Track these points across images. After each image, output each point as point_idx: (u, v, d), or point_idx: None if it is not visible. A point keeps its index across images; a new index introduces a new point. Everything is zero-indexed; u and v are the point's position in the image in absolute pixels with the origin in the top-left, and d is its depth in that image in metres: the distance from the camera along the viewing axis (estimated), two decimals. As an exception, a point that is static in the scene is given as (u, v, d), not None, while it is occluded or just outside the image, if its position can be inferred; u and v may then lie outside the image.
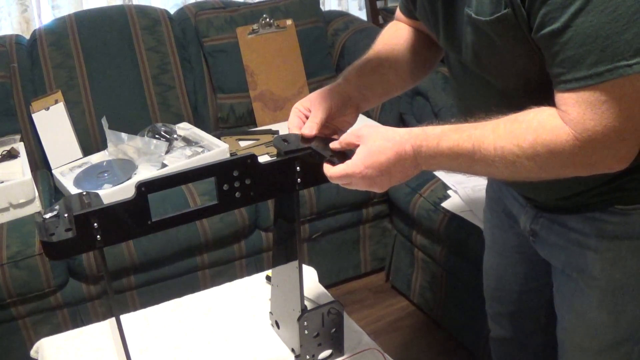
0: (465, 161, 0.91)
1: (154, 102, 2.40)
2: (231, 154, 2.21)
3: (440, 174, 2.09)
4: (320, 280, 1.41)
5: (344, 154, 0.98)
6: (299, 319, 1.11)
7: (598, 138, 0.81)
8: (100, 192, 1.68)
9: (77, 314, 1.99)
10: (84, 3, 2.65)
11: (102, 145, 2.30)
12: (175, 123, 2.38)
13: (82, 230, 0.88)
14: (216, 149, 2.19)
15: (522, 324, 1.37)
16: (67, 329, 1.64)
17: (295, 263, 1.09)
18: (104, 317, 1.35)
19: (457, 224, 1.91)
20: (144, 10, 2.47)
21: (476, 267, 1.66)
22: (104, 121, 2.19)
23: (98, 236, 0.89)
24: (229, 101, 2.49)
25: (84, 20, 2.37)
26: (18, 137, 2.22)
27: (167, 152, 2.20)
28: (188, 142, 2.28)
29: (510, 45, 0.88)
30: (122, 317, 1.19)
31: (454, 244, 1.96)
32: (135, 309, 1.53)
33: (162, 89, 2.41)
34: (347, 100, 1.10)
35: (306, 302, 1.15)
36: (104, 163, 2.18)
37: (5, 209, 1.95)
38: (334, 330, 1.16)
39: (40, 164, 2.29)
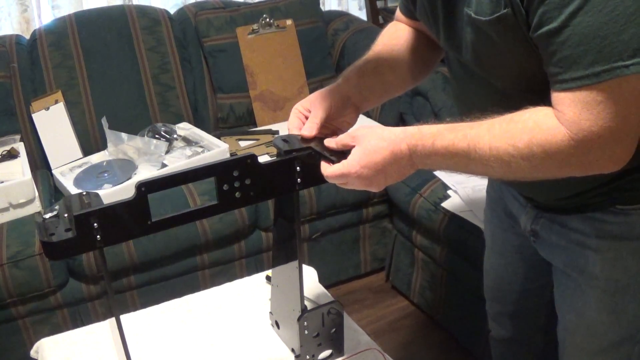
0: (460, 160, 0.91)
1: (154, 102, 2.40)
2: (231, 154, 2.21)
3: (440, 174, 2.09)
4: (320, 280, 1.41)
5: (342, 154, 0.98)
6: (299, 319, 1.11)
7: (593, 139, 0.81)
8: (100, 192, 1.67)
9: (77, 314, 1.99)
10: (84, 3, 2.65)
11: (102, 145, 2.30)
12: (175, 123, 2.38)
13: (82, 230, 0.88)
14: (216, 149, 2.19)
15: (523, 324, 1.37)
16: (67, 329, 1.64)
17: (295, 263, 1.09)
18: (104, 317, 1.35)
19: (457, 224, 1.91)
20: (144, 10, 2.47)
21: (476, 267, 1.67)
22: (104, 121, 2.19)
23: (98, 236, 0.89)
24: (229, 101, 2.49)
25: (84, 20, 2.37)
26: (18, 137, 2.22)
27: (167, 152, 2.20)
28: (188, 142, 2.28)
29: (510, 45, 0.88)
30: (122, 317, 1.18)
31: (454, 244, 1.96)
32: (135, 309, 1.53)
33: (162, 89, 2.41)
34: (346, 100, 1.10)
35: (306, 302, 1.15)
36: (104, 163, 2.18)
37: (5, 209, 1.95)
38: (334, 330, 1.16)
39: (40, 164, 2.29)
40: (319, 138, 1.04)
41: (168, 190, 0.95)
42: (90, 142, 2.31)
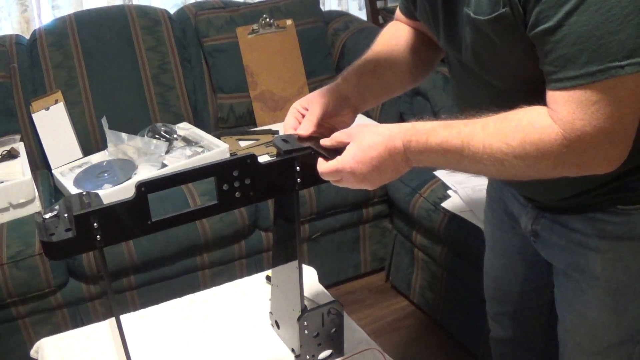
0: (453, 157, 0.90)
1: (154, 102, 2.40)
2: (231, 154, 2.21)
3: (440, 174, 2.08)
4: (320, 280, 1.41)
5: (338, 152, 0.98)
6: (299, 319, 1.11)
7: (587, 139, 0.80)
8: (100, 192, 1.68)
9: (77, 314, 1.99)
10: (84, 3, 2.65)
11: (102, 145, 2.30)
12: (175, 123, 2.38)
13: (82, 230, 0.88)
14: (216, 149, 2.19)
15: (523, 324, 1.37)
16: (67, 329, 1.64)
17: (295, 263, 1.09)
18: (104, 317, 1.35)
19: (457, 224, 1.91)
20: (144, 10, 2.47)
21: (476, 267, 1.66)
22: (104, 121, 2.19)
23: (98, 236, 0.89)
24: (229, 101, 2.49)
25: (84, 20, 2.37)
26: (18, 137, 2.22)
27: (167, 152, 2.20)
28: (188, 142, 2.28)
29: (509, 44, 0.88)
30: (122, 317, 1.18)
31: (454, 244, 1.96)
32: (135, 309, 1.53)
33: (162, 89, 2.41)
34: (344, 100, 1.10)
35: (306, 302, 1.15)
36: (104, 163, 2.18)
37: (5, 209, 1.95)
38: (334, 330, 1.16)
39: (40, 164, 2.29)
40: (316, 137, 1.04)
41: (168, 190, 0.95)
42: (90, 142, 2.31)
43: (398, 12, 1.21)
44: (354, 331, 1.24)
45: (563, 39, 0.78)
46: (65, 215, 0.92)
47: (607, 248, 1.02)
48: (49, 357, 1.23)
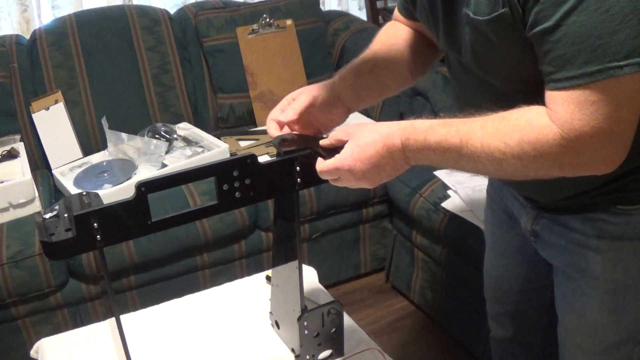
0: (452, 156, 0.90)
1: (154, 102, 2.40)
2: (231, 154, 2.21)
3: (440, 174, 2.08)
4: (320, 280, 1.41)
5: (337, 151, 0.98)
6: (299, 319, 1.11)
7: (585, 139, 0.80)
8: (100, 192, 1.68)
9: (77, 314, 1.99)
10: (84, 3, 2.65)
11: (102, 145, 2.30)
12: (175, 123, 2.38)
13: (82, 230, 0.88)
14: (216, 149, 2.19)
15: (523, 324, 1.37)
16: (67, 329, 1.64)
17: (295, 263, 1.09)
18: (104, 317, 1.35)
19: (457, 224, 1.91)
20: (144, 10, 2.47)
21: (476, 267, 1.67)
22: (104, 121, 2.19)
23: (98, 236, 0.89)
24: (229, 101, 2.49)
25: (84, 20, 2.37)
26: (18, 137, 2.22)
27: (167, 152, 2.20)
28: (188, 142, 2.28)
29: (508, 45, 0.88)
30: (122, 317, 1.18)
31: (454, 244, 1.96)
32: (135, 309, 1.53)
33: (162, 89, 2.41)
34: (336, 98, 1.09)
35: (306, 302, 1.15)
36: (104, 163, 2.18)
37: (5, 209, 1.95)
38: (334, 330, 1.16)
39: (40, 164, 2.29)
40: (315, 137, 1.04)
41: (168, 190, 0.95)
42: (90, 142, 2.31)
43: (396, 12, 1.21)
44: (354, 331, 1.24)
45: (561, 39, 0.78)
46: (65, 215, 0.92)
47: (607, 248, 1.02)
48: (49, 357, 1.23)
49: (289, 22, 2.52)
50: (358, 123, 0.99)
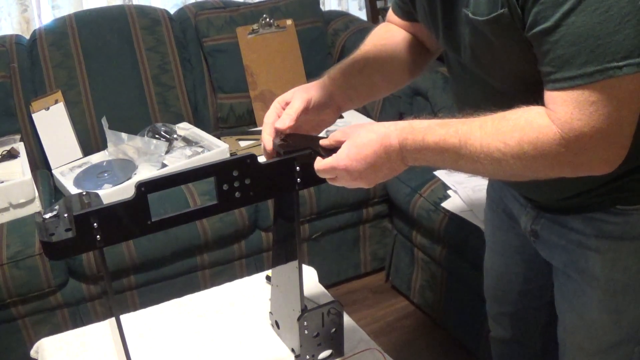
0: (450, 156, 0.90)
1: (154, 102, 2.40)
2: (231, 154, 2.21)
3: (440, 174, 2.08)
4: (320, 280, 1.41)
5: (335, 151, 0.98)
6: (299, 319, 1.11)
7: (584, 139, 0.80)
8: (100, 192, 1.68)
9: (77, 314, 1.99)
10: (84, 3, 2.65)
11: (102, 145, 2.30)
12: (175, 123, 2.38)
13: (82, 230, 0.88)
14: (216, 149, 2.19)
15: (523, 324, 1.37)
16: (67, 329, 1.64)
17: (295, 263, 1.09)
18: (104, 317, 1.35)
19: (457, 224, 1.91)
20: (144, 10, 2.47)
21: (476, 267, 1.67)
22: (104, 121, 2.19)
23: (98, 236, 0.89)
24: (229, 101, 2.49)
25: (84, 20, 2.37)
26: (18, 137, 2.22)
27: (167, 152, 2.20)
28: (188, 142, 2.28)
29: (507, 45, 0.88)
30: (122, 317, 1.18)
31: (454, 244, 1.96)
32: (135, 309, 1.53)
33: (162, 89, 2.41)
34: (328, 98, 1.09)
35: (306, 302, 1.15)
36: (104, 163, 2.18)
37: (5, 209, 1.95)
38: (334, 330, 1.16)
39: (40, 164, 2.29)
40: (315, 137, 1.04)
41: (168, 190, 0.95)
42: (90, 142, 2.31)
43: (390, 13, 1.20)
44: (354, 331, 1.24)
45: (561, 39, 0.78)
46: (65, 215, 0.92)
47: (607, 248, 1.02)
48: (49, 357, 1.23)
49: (289, 22, 2.52)
50: (357, 124, 0.99)
